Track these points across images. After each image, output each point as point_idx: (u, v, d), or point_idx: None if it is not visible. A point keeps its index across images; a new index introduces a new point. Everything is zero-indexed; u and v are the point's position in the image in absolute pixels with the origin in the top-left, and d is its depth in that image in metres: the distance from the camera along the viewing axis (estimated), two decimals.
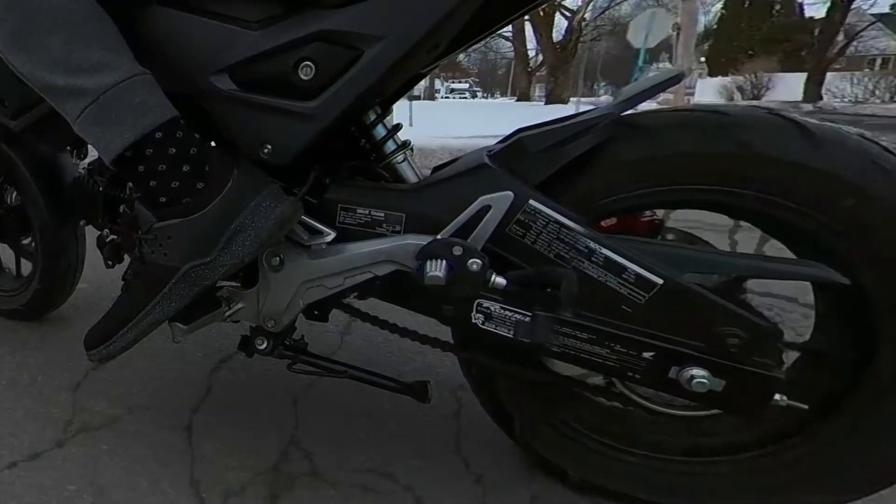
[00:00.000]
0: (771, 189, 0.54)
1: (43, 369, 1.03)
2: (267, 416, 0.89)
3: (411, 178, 0.68)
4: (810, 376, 0.61)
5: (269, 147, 0.64)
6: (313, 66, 0.60)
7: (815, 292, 0.61)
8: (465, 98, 33.15)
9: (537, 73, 21.36)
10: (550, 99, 15.16)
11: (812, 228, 0.53)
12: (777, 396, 0.54)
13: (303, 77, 0.60)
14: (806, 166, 0.52)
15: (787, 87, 15.47)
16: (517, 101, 19.75)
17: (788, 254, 0.60)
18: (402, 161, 0.68)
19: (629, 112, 0.57)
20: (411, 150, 0.70)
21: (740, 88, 15.81)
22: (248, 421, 0.88)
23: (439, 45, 0.62)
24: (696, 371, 0.54)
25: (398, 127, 0.70)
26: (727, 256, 0.57)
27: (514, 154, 0.60)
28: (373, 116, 0.68)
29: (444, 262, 0.58)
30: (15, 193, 1.09)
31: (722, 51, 21.92)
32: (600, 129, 0.57)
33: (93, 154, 0.82)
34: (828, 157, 0.51)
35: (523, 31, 18.75)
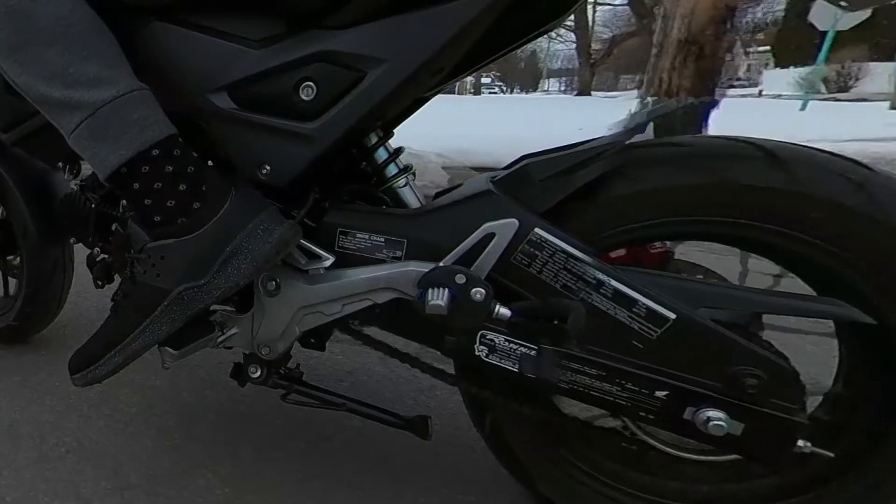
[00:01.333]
0: (787, 222, 0.51)
1: None
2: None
3: (413, 203, 0.66)
4: (836, 422, 0.58)
5: (268, 168, 0.62)
6: (314, 87, 0.58)
7: (837, 332, 0.58)
8: (496, 93, 30.74)
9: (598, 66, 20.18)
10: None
11: (832, 264, 0.51)
12: (800, 442, 0.51)
13: (303, 98, 0.59)
14: (843, 204, 0.50)
15: (881, 78, 13.26)
16: (576, 94, 18.26)
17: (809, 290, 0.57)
18: (404, 185, 0.66)
19: (638, 139, 0.56)
20: (413, 174, 0.68)
21: (825, 80, 13.63)
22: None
23: (443, 68, 0.60)
24: (713, 413, 0.52)
25: (400, 150, 0.68)
26: (743, 291, 0.54)
27: (519, 181, 0.59)
28: (374, 139, 0.67)
29: (446, 290, 0.56)
30: (2, 210, 1.06)
31: (791, 37, 19.19)
32: (609, 157, 0.55)
33: (86, 170, 0.80)
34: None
35: (586, 23, 17.80)
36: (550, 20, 0.58)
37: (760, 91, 17.05)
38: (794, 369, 0.51)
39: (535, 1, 0.57)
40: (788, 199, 0.51)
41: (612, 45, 20.58)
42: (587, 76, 18.95)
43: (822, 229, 0.50)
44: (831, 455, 0.54)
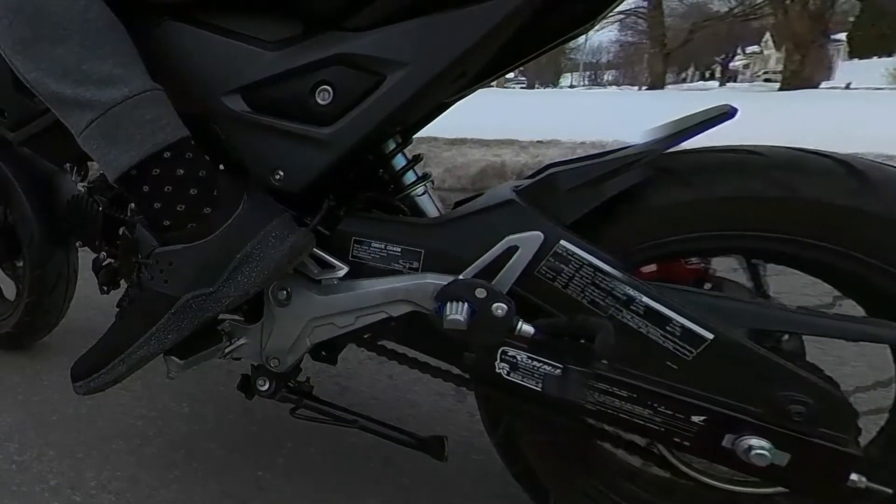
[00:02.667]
0: (834, 239, 0.48)
1: None
2: None
3: (432, 212, 0.63)
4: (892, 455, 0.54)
5: (282, 173, 0.60)
6: (331, 91, 0.57)
7: (894, 357, 0.54)
8: (525, 87, 28.79)
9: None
10: (792, 82, 10.91)
11: (885, 284, 0.48)
12: (854, 476, 0.47)
13: (320, 101, 0.57)
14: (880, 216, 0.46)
15: None
16: (647, 88, 16.47)
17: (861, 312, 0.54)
18: (423, 194, 0.64)
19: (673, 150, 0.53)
20: (432, 182, 0.65)
21: None
22: None
23: (466, 74, 0.58)
24: (756, 441, 0.48)
25: (419, 157, 0.66)
26: (787, 312, 0.51)
27: (544, 191, 0.56)
28: (392, 146, 0.65)
29: (465, 304, 0.54)
30: (6, 211, 1.03)
31: (868, 27, 17.53)
32: (641, 167, 0.52)
33: (93, 172, 0.79)
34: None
35: (661, 11, 16.78)
36: (580, 24, 0.56)
37: (848, 84, 14.62)
38: (844, 396, 0.47)
39: (566, 4, 0.54)
40: (870, 222, 0.47)
41: (691, 33, 19.13)
42: (659, 68, 17.40)
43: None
44: (890, 492, 0.50)
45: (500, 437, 0.66)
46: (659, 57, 17.48)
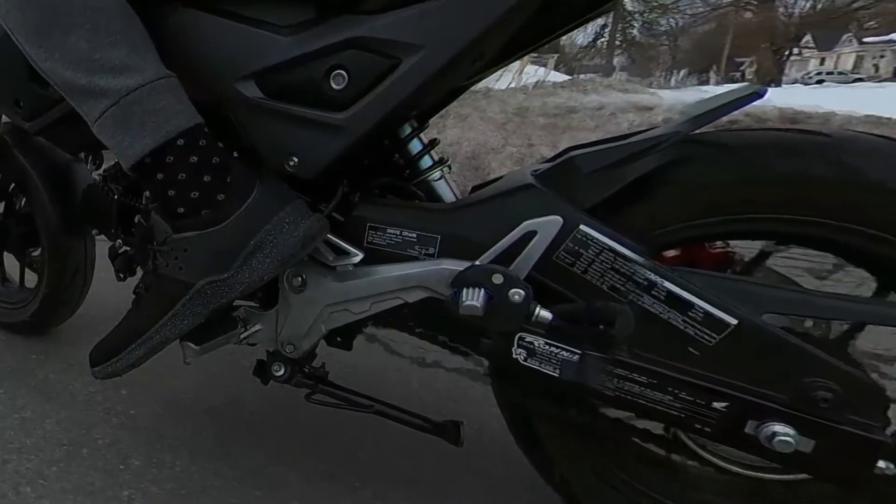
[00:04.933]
0: (863, 220, 0.47)
1: None
2: None
3: (448, 197, 0.63)
4: None
5: (296, 159, 0.60)
6: (346, 75, 0.56)
7: None
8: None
9: None
10: None
11: None
12: (881, 464, 0.47)
13: (334, 86, 0.56)
14: None
15: None
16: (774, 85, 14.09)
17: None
18: (439, 179, 0.63)
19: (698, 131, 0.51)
20: (449, 167, 0.65)
21: None
22: None
23: (483, 56, 0.57)
24: (780, 428, 0.47)
25: (435, 142, 0.65)
26: (813, 296, 0.50)
27: (563, 174, 0.55)
28: (408, 130, 0.64)
29: (482, 290, 0.53)
30: (24, 201, 1.05)
31: None
32: (664, 150, 0.51)
33: (108, 161, 0.79)
34: None
35: None
36: (601, 3, 0.54)
37: None
38: (874, 382, 0.46)
39: None
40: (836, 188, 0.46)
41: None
42: (769, 62, 15.32)
43: None
44: None
45: (515, 419, 0.66)
46: (771, 50, 15.04)
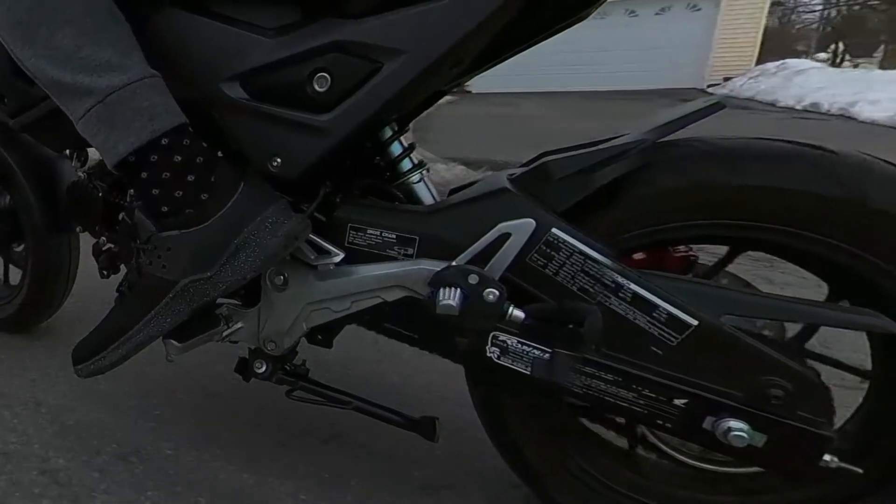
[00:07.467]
0: (816, 227, 0.49)
1: None
2: None
3: (427, 199, 0.64)
4: (866, 437, 0.56)
5: (279, 160, 0.61)
6: (329, 78, 0.57)
7: (871, 345, 0.56)
8: None
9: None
10: None
11: (865, 271, 0.49)
12: (826, 457, 0.49)
13: (317, 88, 0.57)
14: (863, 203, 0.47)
15: None
16: None
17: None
18: (418, 181, 0.65)
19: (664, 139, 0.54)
20: (427, 170, 0.66)
21: None
22: None
23: (463, 61, 0.59)
24: (734, 423, 0.50)
25: (414, 146, 0.66)
26: (769, 299, 0.52)
27: (537, 179, 0.57)
28: (389, 133, 0.65)
29: (458, 290, 0.55)
30: (8, 197, 1.04)
31: None
32: (632, 156, 0.53)
33: (93, 158, 0.79)
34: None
35: None
36: (581, 10, 0.56)
37: None
38: (822, 381, 0.49)
39: None
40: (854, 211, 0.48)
41: None
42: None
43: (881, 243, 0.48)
44: (860, 471, 0.52)
45: (489, 417, 0.68)
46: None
